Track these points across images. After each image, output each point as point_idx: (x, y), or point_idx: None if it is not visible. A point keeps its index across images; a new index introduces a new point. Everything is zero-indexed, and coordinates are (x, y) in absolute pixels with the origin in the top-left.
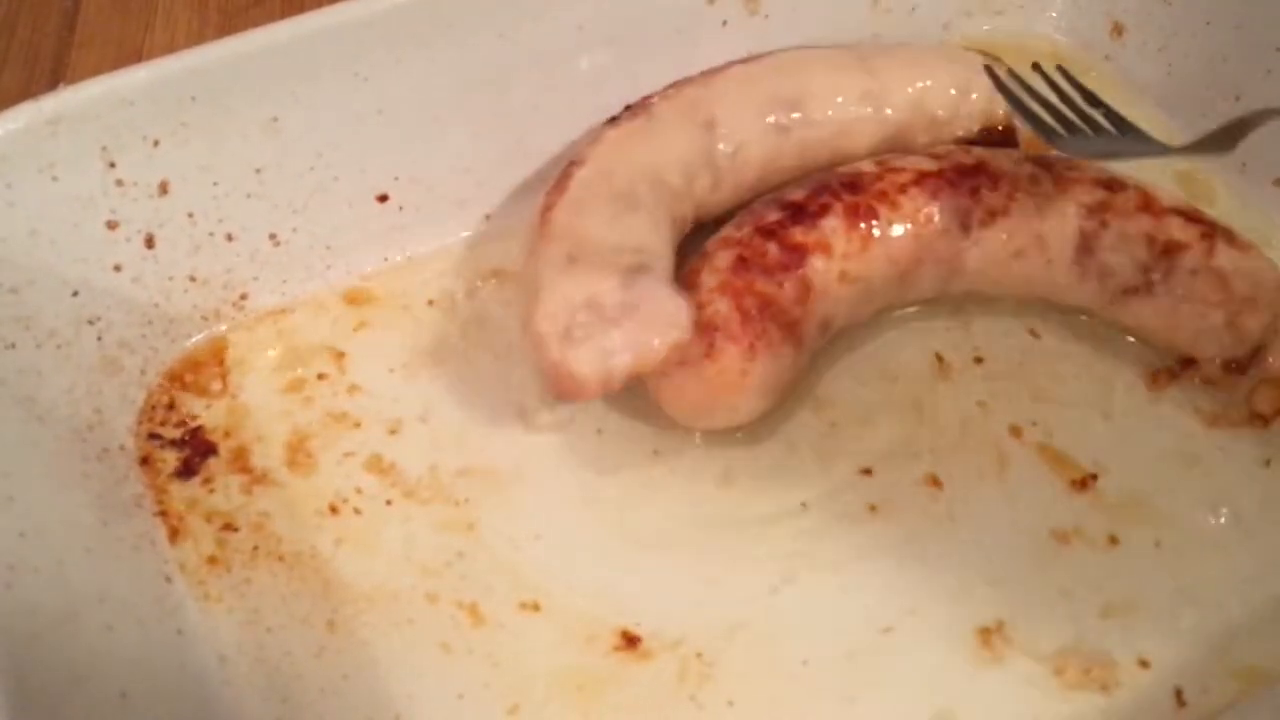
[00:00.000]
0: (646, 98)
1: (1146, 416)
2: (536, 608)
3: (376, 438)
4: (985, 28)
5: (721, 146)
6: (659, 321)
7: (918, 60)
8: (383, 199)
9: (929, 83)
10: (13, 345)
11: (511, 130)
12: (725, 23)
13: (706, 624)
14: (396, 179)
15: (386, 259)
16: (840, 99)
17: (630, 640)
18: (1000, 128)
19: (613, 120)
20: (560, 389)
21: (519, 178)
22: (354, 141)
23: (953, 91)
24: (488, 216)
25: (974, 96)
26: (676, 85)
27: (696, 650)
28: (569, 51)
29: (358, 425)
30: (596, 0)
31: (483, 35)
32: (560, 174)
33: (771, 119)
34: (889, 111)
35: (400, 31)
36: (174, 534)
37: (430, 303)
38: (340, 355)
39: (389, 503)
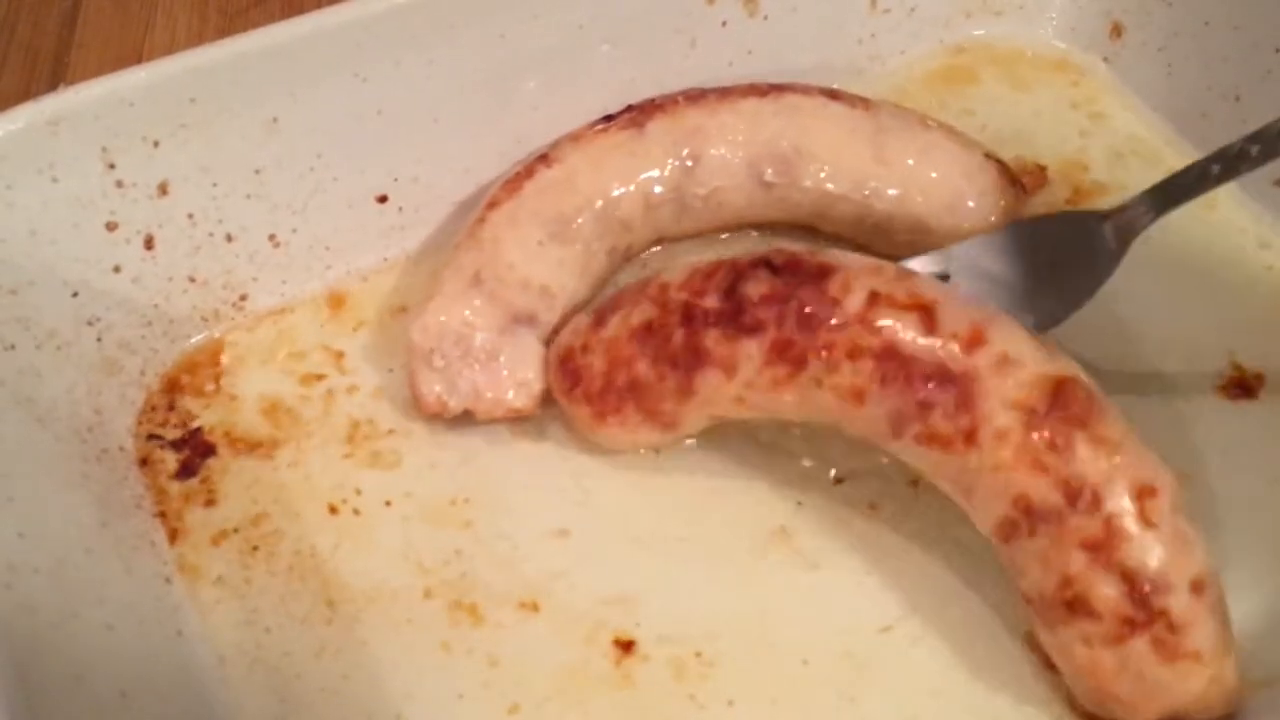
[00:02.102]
0: (652, 103)
1: None
2: (536, 607)
3: (376, 437)
4: (985, 29)
5: (697, 189)
6: (508, 384)
7: (931, 158)
8: (382, 199)
9: (930, 190)
10: (12, 346)
11: (511, 130)
12: (725, 23)
13: (706, 623)
14: (396, 179)
15: (386, 259)
16: (834, 174)
17: (630, 640)
18: None
19: (608, 119)
20: (412, 395)
21: None
22: (354, 142)
23: (950, 204)
24: None
25: (966, 226)
26: (689, 98)
27: (696, 650)
28: (569, 51)
29: (357, 425)
30: (596, 0)
31: (483, 35)
32: (526, 165)
33: (758, 172)
34: (876, 203)
35: (400, 32)
36: (174, 534)
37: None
38: (339, 355)
39: (388, 503)
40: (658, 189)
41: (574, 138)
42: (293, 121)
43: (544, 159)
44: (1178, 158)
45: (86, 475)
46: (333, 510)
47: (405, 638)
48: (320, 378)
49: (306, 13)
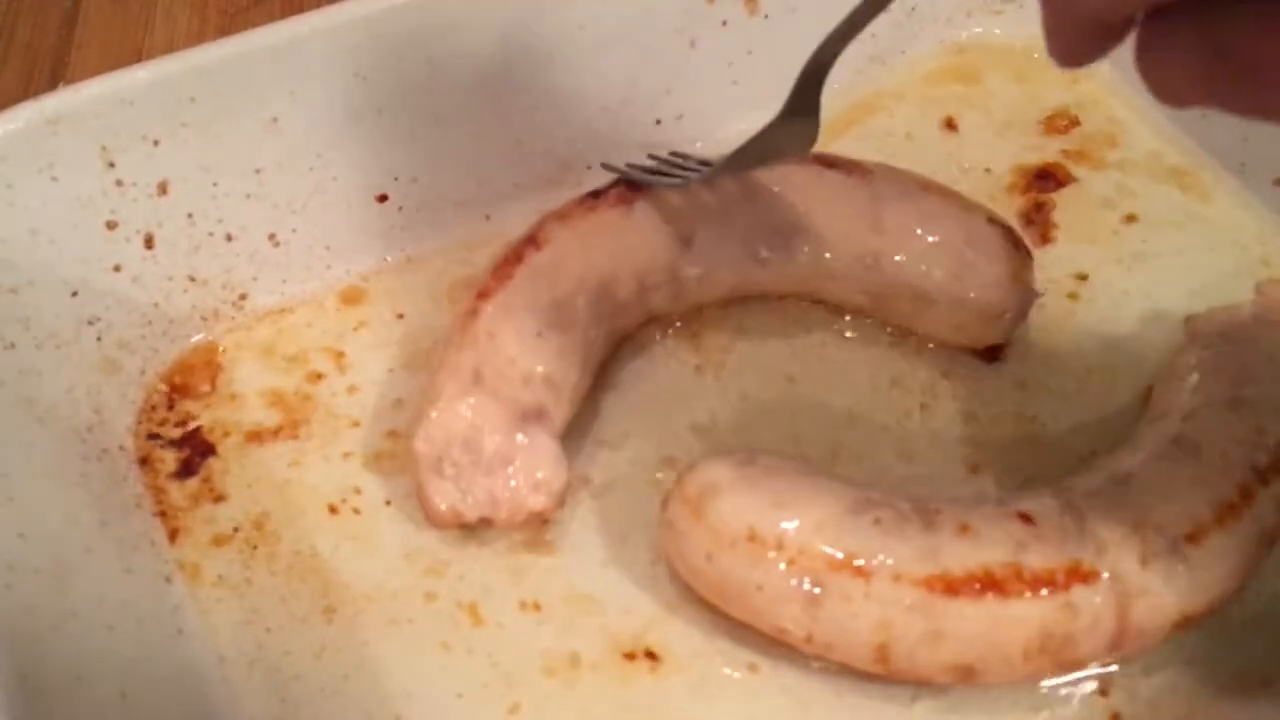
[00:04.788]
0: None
1: None
2: (537, 607)
3: (376, 437)
4: (985, 28)
5: (691, 269)
6: (524, 488)
7: (931, 225)
8: (382, 199)
9: (932, 257)
10: (12, 345)
11: (511, 130)
12: (725, 23)
13: (711, 626)
14: (396, 179)
15: (386, 259)
16: (830, 246)
17: (631, 640)
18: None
19: (594, 195)
20: (421, 506)
21: (519, 178)
22: (354, 141)
23: (955, 271)
24: (488, 217)
25: (972, 294)
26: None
27: (697, 651)
28: (570, 51)
29: (357, 425)
30: (596, 0)
31: (482, 35)
32: (511, 251)
33: (752, 250)
34: (875, 274)
35: (400, 31)
36: (174, 534)
37: (430, 302)
38: (339, 355)
39: (388, 503)
40: (651, 271)
41: (560, 216)
42: (293, 121)
43: (531, 241)
44: (1179, 155)
45: (86, 475)
46: (333, 510)
47: (405, 638)
48: (320, 377)
49: (306, 13)
